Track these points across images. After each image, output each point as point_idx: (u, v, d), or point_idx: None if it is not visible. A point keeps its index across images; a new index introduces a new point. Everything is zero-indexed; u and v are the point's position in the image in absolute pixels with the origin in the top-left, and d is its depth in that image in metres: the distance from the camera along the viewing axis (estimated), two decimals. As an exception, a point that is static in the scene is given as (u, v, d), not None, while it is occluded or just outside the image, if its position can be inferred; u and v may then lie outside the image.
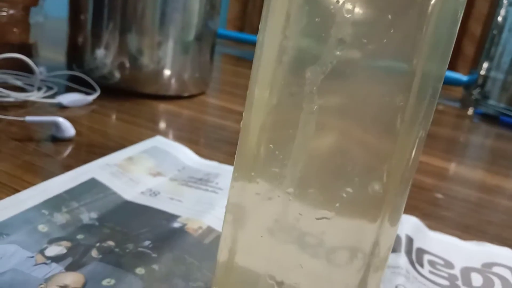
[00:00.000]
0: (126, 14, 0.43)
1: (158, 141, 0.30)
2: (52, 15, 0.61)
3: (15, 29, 0.43)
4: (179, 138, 0.36)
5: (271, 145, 0.15)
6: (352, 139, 0.15)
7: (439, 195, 0.33)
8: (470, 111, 0.71)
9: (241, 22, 1.55)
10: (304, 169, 0.15)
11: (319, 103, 0.14)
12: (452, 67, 1.38)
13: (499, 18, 0.72)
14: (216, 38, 0.52)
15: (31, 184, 0.23)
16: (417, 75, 0.14)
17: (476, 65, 0.77)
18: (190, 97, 0.49)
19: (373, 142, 0.15)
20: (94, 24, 0.45)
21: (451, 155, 0.46)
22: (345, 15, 0.13)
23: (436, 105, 0.15)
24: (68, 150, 0.30)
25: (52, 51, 0.58)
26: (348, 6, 0.13)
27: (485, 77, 0.72)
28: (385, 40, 0.13)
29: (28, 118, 0.30)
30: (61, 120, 0.31)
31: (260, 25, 0.16)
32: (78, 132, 0.32)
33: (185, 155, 0.29)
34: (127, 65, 0.45)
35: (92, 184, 0.23)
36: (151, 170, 0.26)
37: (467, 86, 0.81)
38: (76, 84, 0.44)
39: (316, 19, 0.14)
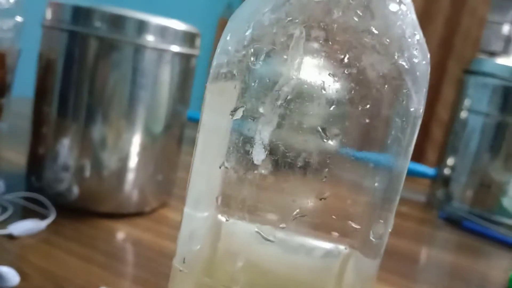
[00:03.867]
0: (90, 121, 0.43)
1: (102, 297, 0.30)
2: (20, 95, 0.61)
3: (-27, 148, 0.43)
4: (130, 279, 0.35)
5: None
6: None
7: None
8: (434, 215, 0.72)
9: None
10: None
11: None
12: (420, 151, 1.41)
13: (462, 117, 0.74)
14: (184, 129, 0.51)
15: None
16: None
17: (444, 154, 0.79)
18: (151, 212, 0.49)
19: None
20: (56, 136, 0.44)
21: (408, 281, 0.46)
22: None
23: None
24: (8, 303, 0.29)
25: (16, 151, 0.57)
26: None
27: (449, 177, 0.74)
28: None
29: (-32, 271, 0.29)
30: (4, 270, 0.30)
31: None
32: (23, 276, 0.31)
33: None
34: (87, 173, 0.44)
35: None
36: None
37: (434, 180, 0.82)
38: (33, 202, 0.43)
39: None
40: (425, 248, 0.58)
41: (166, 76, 0.43)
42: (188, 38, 0.44)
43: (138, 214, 0.47)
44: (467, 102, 0.72)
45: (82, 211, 0.44)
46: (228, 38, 0.14)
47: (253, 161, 0.13)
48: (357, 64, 0.13)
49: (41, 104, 0.45)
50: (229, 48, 0.13)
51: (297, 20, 0.12)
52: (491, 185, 0.69)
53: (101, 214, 0.45)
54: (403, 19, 0.14)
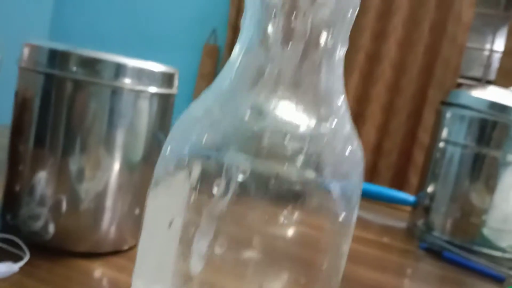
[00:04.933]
0: (66, 160, 0.43)
1: None
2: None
3: None
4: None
5: None
6: None
7: None
8: (415, 245, 0.72)
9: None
10: None
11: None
12: (403, 175, 1.43)
13: (440, 146, 0.75)
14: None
15: None
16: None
17: (424, 181, 0.79)
18: (128, 250, 0.48)
19: None
20: (32, 174, 0.44)
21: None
22: None
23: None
24: None
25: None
26: None
27: (429, 207, 0.74)
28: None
29: None
30: (-29, 323, 0.29)
31: None
32: (-8, 327, 0.31)
33: None
34: (63, 211, 0.44)
35: None
36: None
37: (415, 207, 0.83)
38: (7, 243, 0.43)
39: None
40: (406, 281, 0.58)
41: (143, 117, 0.43)
42: (166, 79, 0.45)
43: (115, 252, 0.47)
44: (445, 133, 0.73)
45: (57, 250, 0.44)
46: (167, 153, 0.14)
47: (190, 272, 0.13)
48: (285, 186, 0.13)
49: (18, 142, 0.45)
50: (168, 164, 0.14)
51: (230, 148, 0.13)
52: (471, 215, 0.70)
53: (77, 253, 0.44)
54: (334, 134, 0.14)
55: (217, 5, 1.40)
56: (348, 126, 0.15)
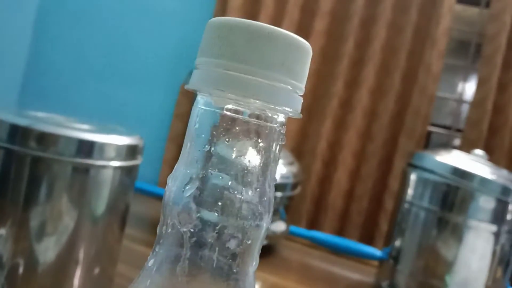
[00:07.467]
0: (23, 234, 0.42)
1: None
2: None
3: None
4: None
5: None
6: None
7: None
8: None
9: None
10: None
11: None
12: (374, 220, 1.44)
13: (405, 206, 0.76)
14: (127, 216, 0.49)
15: None
16: None
17: (391, 238, 0.80)
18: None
19: None
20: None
21: None
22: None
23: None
24: None
25: None
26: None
27: (394, 268, 0.75)
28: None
29: None
30: None
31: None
32: None
33: None
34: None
35: None
36: None
37: (381, 263, 0.83)
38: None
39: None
40: None
41: (105, 190, 0.43)
42: (130, 151, 0.44)
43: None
44: (409, 195, 0.74)
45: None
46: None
47: None
48: None
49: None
50: None
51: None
52: (434, 278, 0.71)
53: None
54: None
55: (195, 48, 1.41)
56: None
